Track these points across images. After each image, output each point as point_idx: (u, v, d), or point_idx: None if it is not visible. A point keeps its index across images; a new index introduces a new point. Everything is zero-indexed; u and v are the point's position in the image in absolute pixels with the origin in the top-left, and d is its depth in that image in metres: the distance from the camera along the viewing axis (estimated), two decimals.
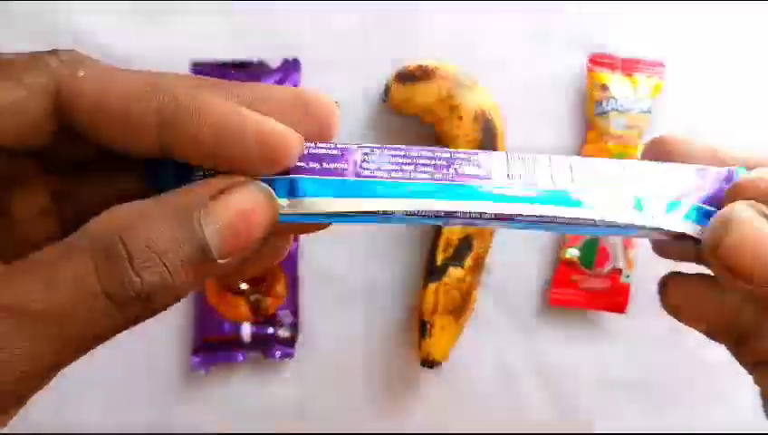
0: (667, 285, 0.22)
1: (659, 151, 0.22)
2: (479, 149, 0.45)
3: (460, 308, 0.45)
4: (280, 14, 0.47)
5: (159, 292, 0.16)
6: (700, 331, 0.22)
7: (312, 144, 0.20)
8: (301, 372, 0.48)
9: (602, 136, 0.47)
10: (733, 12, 0.49)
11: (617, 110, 0.47)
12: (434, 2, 0.48)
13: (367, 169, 0.20)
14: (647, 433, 0.50)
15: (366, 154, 0.20)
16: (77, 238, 0.16)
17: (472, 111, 0.45)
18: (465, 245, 0.45)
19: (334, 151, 0.20)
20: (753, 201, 0.18)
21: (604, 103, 0.47)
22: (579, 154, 0.48)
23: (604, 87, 0.47)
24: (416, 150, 0.21)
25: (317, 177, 0.19)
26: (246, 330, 0.47)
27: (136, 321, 0.16)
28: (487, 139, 0.45)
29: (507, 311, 0.49)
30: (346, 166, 0.20)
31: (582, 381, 0.49)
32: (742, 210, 0.18)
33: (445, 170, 0.20)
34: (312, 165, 0.19)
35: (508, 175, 0.20)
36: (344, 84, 0.48)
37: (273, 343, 0.47)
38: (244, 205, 0.17)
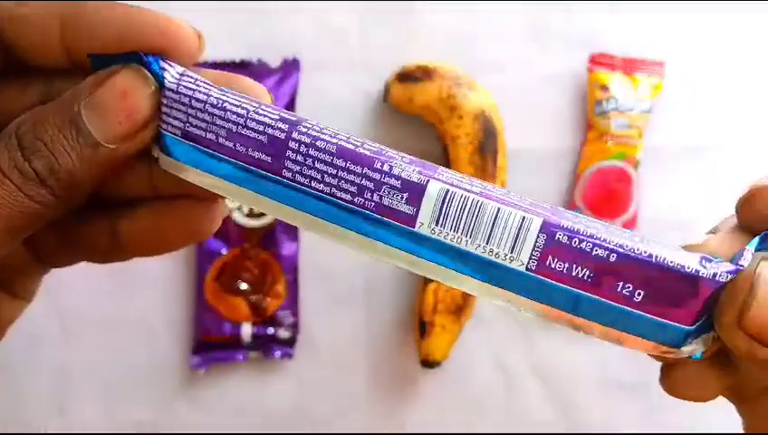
0: (671, 369, 0.21)
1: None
2: (479, 149, 0.45)
3: (460, 308, 0.45)
4: (280, 14, 0.47)
5: (49, 174, 0.18)
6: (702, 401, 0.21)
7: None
8: (301, 372, 0.48)
9: (602, 136, 0.47)
10: (733, 12, 0.49)
11: (617, 110, 0.47)
12: (434, 2, 0.48)
13: (290, 168, 0.18)
14: (647, 433, 0.50)
15: (295, 147, 0.18)
16: None
17: (472, 111, 0.45)
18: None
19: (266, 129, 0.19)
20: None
21: (604, 103, 0.47)
22: (579, 154, 0.48)
23: (604, 87, 0.47)
24: (351, 153, 0.18)
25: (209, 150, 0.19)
26: (246, 330, 0.47)
27: (45, 203, 0.18)
28: (487, 139, 0.45)
29: (507, 311, 0.49)
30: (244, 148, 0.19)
31: (582, 382, 0.49)
32: (766, 269, 0.16)
33: (368, 195, 0.18)
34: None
35: (437, 223, 0.17)
36: (344, 84, 0.48)
37: (273, 343, 0.47)
38: (117, 86, 0.18)
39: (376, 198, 0.18)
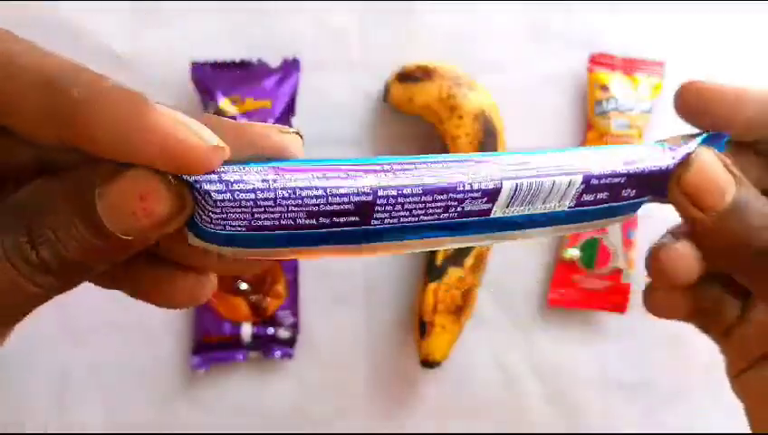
0: (650, 296, 0.26)
1: (691, 98, 0.25)
2: (479, 149, 0.45)
3: (460, 308, 0.45)
4: (280, 14, 0.47)
5: (58, 265, 0.17)
6: (678, 320, 0.26)
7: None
8: (301, 372, 0.48)
9: (602, 136, 0.47)
10: (733, 12, 0.49)
11: (617, 110, 0.47)
12: (434, 2, 0.48)
13: (379, 217, 0.19)
14: (647, 433, 0.50)
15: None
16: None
17: (472, 111, 0.45)
18: None
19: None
20: (712, 148, 0.23)
21: (604, 103, 0.47)
22: None
23: (604, 87, 0.47)
24: (428, 188, 0.19)
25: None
26: (246, 330, 0.47)
27: (50, 290, 0.18)
28: (487, 139, 0.45)
29: (507, 311, 0.49)
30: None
31: (582, 382, 0.49)
32: (704, 151, 0.22)
33: (452, 210, 0.20)
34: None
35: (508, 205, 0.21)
36: (344, 84, 0.48)
37: (273, 343, 0.47)
38: (136, 186, 0.17)
39: (459, 208, 0.20)
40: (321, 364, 0.48)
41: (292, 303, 0.47)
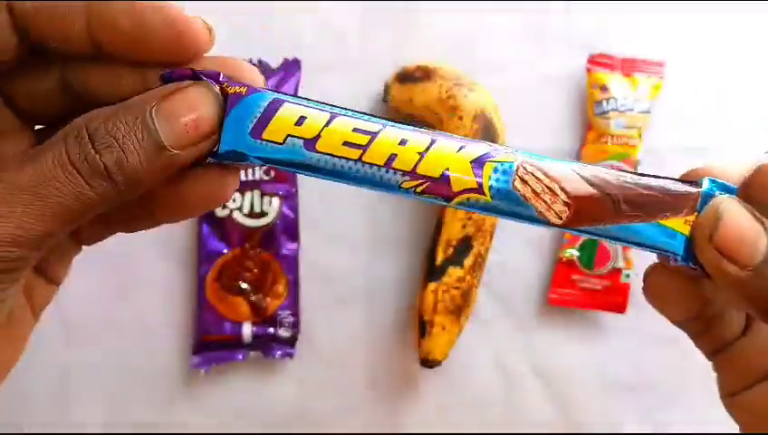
0: (650, 275, 0.24)
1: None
2: None
3: (460, 308, 0.45)
4: (280, 14, 0.47)
5: (117, 170, 0.19)
6: (672, 318, 0.24)
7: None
8: (301, 372, 0.48)
9: (602, 136, 0.47)
10: (733, 12, 0.49)
11: (617, 110, 0.47)
12: (434, 2, 0.48)
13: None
14: (646, 433, 0.50)
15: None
16: (55, 135, 0.19)
17: (472, 111, 0.45)
18: (464, 245, 0.45)
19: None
20: (734, 197, 0.21)
21: (604, 103, 0.47)
22: (579, 154, 0.48)
23: (604, 87, 0.47)
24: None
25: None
26: (246, 330, 0.47)
27: (105, 196, 0.19)
28: (487, 139, 0.45)
29: (507, 311, 0.49)
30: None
31: (582, 381, 0.49)
32: (731, 201, 0.20)
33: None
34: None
35: None
36: (344, 84, 0.48)
37: (273, 343, 0.47)
38: (189, 97, 0.20)
39: None
40: (322, 364, 0.48)
41: (293, 302, 0.47)
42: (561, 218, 0.20)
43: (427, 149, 0.20)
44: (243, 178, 0.47)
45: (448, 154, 0.20)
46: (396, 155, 0.20)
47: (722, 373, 0.25)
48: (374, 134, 0.20)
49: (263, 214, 0.47)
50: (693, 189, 0.21)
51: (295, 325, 0.47)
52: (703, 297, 0.23)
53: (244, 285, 0.47)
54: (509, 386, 0.49)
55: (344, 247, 0.48)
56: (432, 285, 0.45)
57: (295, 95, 0.21)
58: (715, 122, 0.49)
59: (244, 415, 0.48)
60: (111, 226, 0.24)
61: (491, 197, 0.20)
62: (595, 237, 0.21)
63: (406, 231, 0.48)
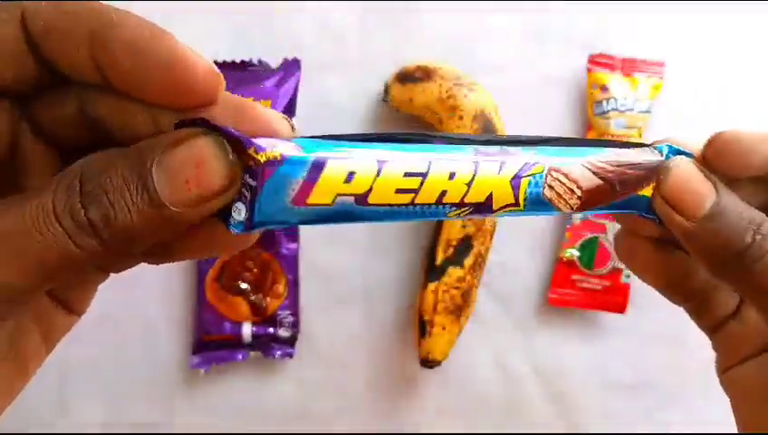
0: (622, 236, 0.26)
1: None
2: None
3: (460, 308, 0.45)
4: (280, 14, 0.47)
5: (103, 226, 0.17)
6: (653, 285, 0.26)
7: None
8: (301, 372, 0.48)
9: (602, 136, 0.47)
10: (733, 12, 0.49)
11: (617, 110, 0.47)
12: (434, 2, 0.48)
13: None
14: (646, 433, 0.50)
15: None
16: (55, 176, 0.18)
17: (472, 111, 0.45)
18: (464, 244, 0.45)
19: None
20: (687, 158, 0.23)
21: (604, 103, 0.47)
22: None
23: (604, 87, 0.47)
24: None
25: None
26: (246, 330, 0.47)
27: (91, 253, 0.18)
28: None
29: (507, 311, 0.49)
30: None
31: (582, 381, 0.49)
32: (682, 159, 0.23)
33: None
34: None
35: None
36: (344, 84, 0.48)
37: (273, 342, 0.47)
38: (194, 150, 0.18)
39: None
40: (321, 364, 0.48)
41: (293, 302, 0.47)
42: (572, 208, 0.22)
43: (473, 178, 0.20)
44: None
45: (491, 178, 0.20)
46: (446, 192, 0.20)
47: (718, 350, 0.26)
48: (424, 175, 0.19)
49: None
50: (660, 158, 0.23)
51: (295, 325, 0.47)
52: (678, 265, 0.25)
53: (244, 285, 0.47)
54: (509, 386, 0.49)
55: (344, 247, 0.48)
56: (432, 285, 0.45)
57: (333, 137, 0.19)
58: (715, 122, 0.49)
59: (245, 415, 0.48)
60: (136, 258, 0.23)
61: (525, 207, 0.21)
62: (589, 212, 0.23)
63: (406, 231, 0.48)
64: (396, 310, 0.48)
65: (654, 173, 0.23)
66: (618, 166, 0.22)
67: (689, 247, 0.23)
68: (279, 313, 0.47)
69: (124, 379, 0.47)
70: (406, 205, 0.19)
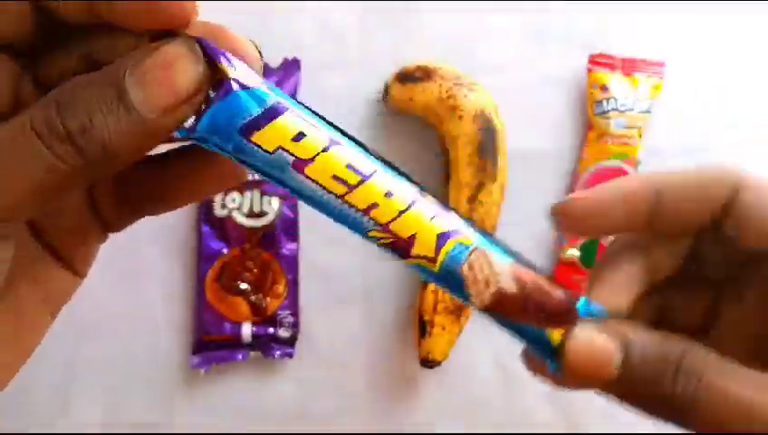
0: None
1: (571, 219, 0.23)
2: (479, 149, 0.45)
3: (460, 308, 0.45)
4: (280, 14, 0.47)
5: (80, 134, 0.17)
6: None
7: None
8: (301, 372, 0.48)
9: (602, 136, 0.47)
10: (733, 12, 0.49)
11: (617, 110, 0.47)
12: (434, 2, 0.48)
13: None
14: (646, 433, 0.49)
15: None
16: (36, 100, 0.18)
17: (472, 111, 0.45)
18: None
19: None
20: (597, 323, 0.21)
21: (604, 103, 0.47)
22: (579, 154, 0.48)
23: (604, 87, 0.47)
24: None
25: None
26: (246, 330, 0.47)
27: (73, 166, 0.18)
28: (487, 139, 0.45)
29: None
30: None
31: None
32: (581, 330, 0.21)
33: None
34: None
35: None
36: (344, 84, 0.48)
37: (273, 342, 0.47)
38: (163, 56, 0.18)
39: None
40: (321, 364, 0.48)
41: (292, 302, 0.47)
42: (482, 305, 0.21)
43: (407, 209, 0.20)
44: None
45: (422, 220, 0.20)
46: (377, 205, 0.20)
47: None
48: (365, 177, 0.19)
49: (262, 214, 0.47)
50: (575, 307, 0.22)
51: (295, 325, 0.47)
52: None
53: (244, 285, 0.47)
54: (509, 386, 0.49)
55: (344, 247, 0.48)
56: (432, 285, 0.45)
57: (297, 101, 0.20)
58: (715, 122, 0.49)
59: (244, 415, 0.48)
60: (136, 209, 0.23)
61: (439, 270, 0.20)
62: (497, 323, 0.22)
63: None
64: (396, 310, 0.48)
65: (569, 317, 0.22)
66: (540, 286, 0.21)
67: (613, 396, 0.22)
68: (279, 313, 0.47)
69: (124, 379, 0.47)
70: (336, 196, 0.19)
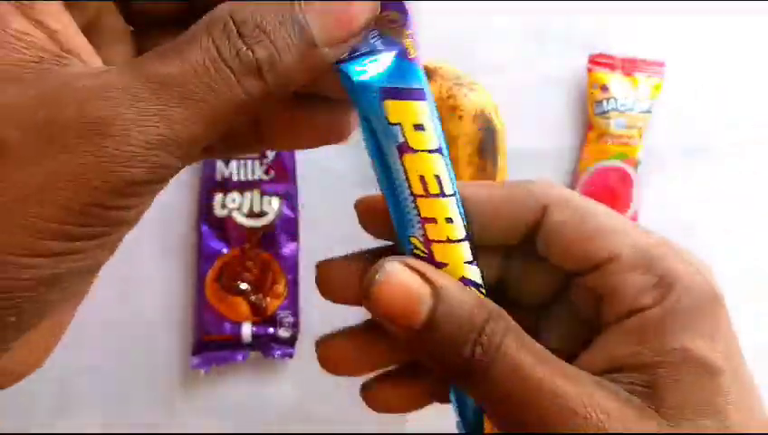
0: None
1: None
2: (479, 149, 0.45)
3: None
4: None
5: (269, 67, 0.17)
6: None
7: None
8: (301, 372, 0.48)
9: (602, 136, 0.47)
10: (733, 12, 0.49)
11: (617, 109, 0.47)
12: (434, 2, 0.48)
13: None
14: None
15: None
16: (194, 27, 0.17)
17: (472, 111, 0.45)
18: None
19: None
20: (404, 257, 0.20)
21: (604, 103, 0.47)
22: (579, 154, 0.48)
23: (604, 87, 0.47)
24: None
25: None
26: (246, 330, 0.47)
27: (254, 97, 0.17)
28: (487, 139, 0.45)
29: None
30: None
31: None
32: (392, 262, 0.20)
33: None
34: None
35: None
36: None
37: (273, 343, 0.47)
38: None
39: None
40: None
41: (292, 302, 0.47)
42: None
43: (455, 241, 0.20)
44: (243, 177, 0.47)
45: (459, 257, 0.20)
46: (436, 221, 0.20)
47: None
48: (443, 195, 0.20)
49: (262, 214, 0.47)
50: None
51: (295, 325, 0.47)
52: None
53: (244, 285, 0.47)
54: None
55: (344, 247, 0.48)
56: None
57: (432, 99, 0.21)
58: (715, 122, 0.49)
59: (244, 415, 0.48)
60: (239, 143, 0.22)
61: None
62: None
63: None
64: None
65: None
66: None
67: (415, 356, 0.21)
68: (279, 313, 0.47)
69: (124, 379, 0.47)
70: (411, 192, 0.20)
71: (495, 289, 0.22)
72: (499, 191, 0.21)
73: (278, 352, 0.47)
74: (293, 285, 0.47)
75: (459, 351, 0.19)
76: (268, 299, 0.47)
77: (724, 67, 0.49)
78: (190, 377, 0.47)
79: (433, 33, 0.48)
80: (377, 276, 0.20)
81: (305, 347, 0.48)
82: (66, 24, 0.17)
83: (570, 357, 0.20)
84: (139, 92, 0.16)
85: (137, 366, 0.47)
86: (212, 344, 0.47)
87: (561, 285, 0.22)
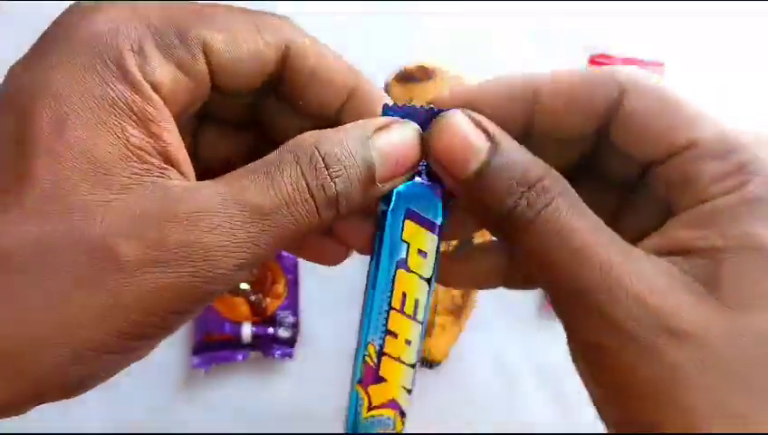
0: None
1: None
2: None
3: (460, 308, 0.45)
4: (280, 15, 0.47)
5: (345, 200, 0.19)
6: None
7: None
8: (301, 372, 0.48)
9: None
10: (732, 14, 0.49)
11: None
12: (434, 2, 0.48)
13: None
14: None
15: None
16: (281, 152, 0.19)
17: None
18: (464, 244, 0.45)
19: None
20: (465, 109, 0.21)
21: None
22: None
23: None
24: None
25: None
26: (246, 330, 0.47)
27: (327, 224, 0.19)
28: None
29: (507, 311, 0.49)
30: None
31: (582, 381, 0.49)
32: (452, 114, 0.20)
33: None
34: None
35: None
36: None
37: (273, 343, 0.47)
38: (402, 138, 0.20)
39: None
40: (322, 364, 0.48)
41: (293, 302, 0.47)
42: None
43: (406, 365, 0.24)
44: None
45: (399, 381, 0.24)
46: (397, 337, 0.23)
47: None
48: (415, 318, 0.23)
49: None
50: None
51: (295, 325, 0.47)
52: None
53: (244, 285, 0.47)
54: (509, 386, 0.49)
55: None
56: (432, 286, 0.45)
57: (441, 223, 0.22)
58: None
59: (244, 415, 0.48)
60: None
61: (364, 419, 0.25)
62: None
63: None
64: None
65: None
66: None
67: (463, 205, 0.21)
68: (279, 313, 0.47)
69: (124, 379, 0.47)
70: (389, 302, 0.23)
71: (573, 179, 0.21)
72: (577, 76, 0.21)
73: (278, 352, 0.47)
74: (293, 285, 0.47)
75: (504, 201, 0.19)
76: (268, 299, 0.47)
77: (724, 68, 0.49)
78: (191, 377, 0.47)
79: (433, 33, 0.48)
80: (438, 122, 0.21)
81: (305, 347, 0.48)
82: (175, 137, 0.19)
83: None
84: (236, 224, 0.18)
85: (137, 366, 0.47)
86: (212, 344, 0.47)
87: (637, 175, 0.21)
